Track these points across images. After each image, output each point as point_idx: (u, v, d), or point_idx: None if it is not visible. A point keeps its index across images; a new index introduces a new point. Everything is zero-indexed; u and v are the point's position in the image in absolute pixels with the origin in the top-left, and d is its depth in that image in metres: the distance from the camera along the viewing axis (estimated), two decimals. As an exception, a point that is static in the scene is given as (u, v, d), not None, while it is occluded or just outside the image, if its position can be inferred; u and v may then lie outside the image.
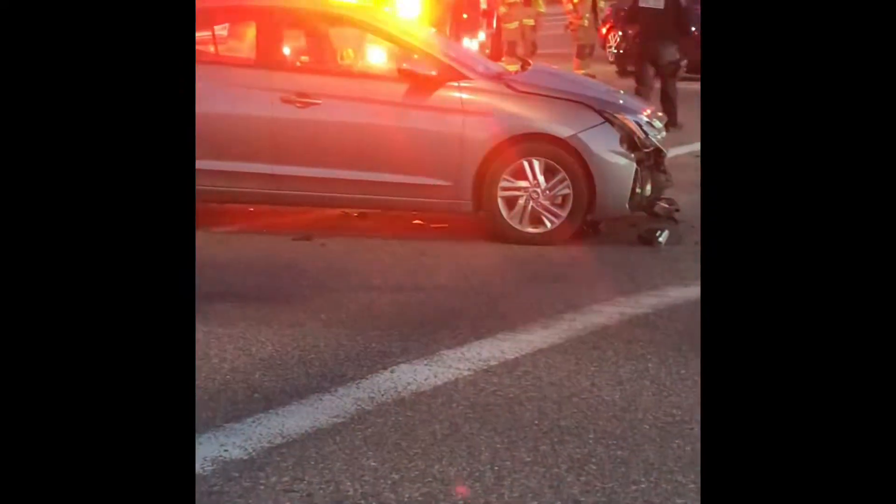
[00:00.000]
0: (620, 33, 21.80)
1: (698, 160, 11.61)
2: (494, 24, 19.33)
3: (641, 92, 14.03)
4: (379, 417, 4.77)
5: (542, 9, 18.58)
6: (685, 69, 15.46)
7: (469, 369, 5.36)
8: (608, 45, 22.22)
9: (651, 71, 14.20)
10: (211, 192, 7.98)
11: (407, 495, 4.08)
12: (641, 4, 14.23)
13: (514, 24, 18.10)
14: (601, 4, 19.02)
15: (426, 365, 5.40)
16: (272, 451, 4.45)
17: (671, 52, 14.19)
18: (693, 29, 15.06)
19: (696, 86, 15.36)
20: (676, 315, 6.34)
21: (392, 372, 5.31)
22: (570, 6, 18.65)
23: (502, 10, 18.03)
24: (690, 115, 14.40)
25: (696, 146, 12.31)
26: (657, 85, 14.34)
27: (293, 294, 6.63)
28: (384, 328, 5.95)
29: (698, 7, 16.87)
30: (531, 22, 18.36)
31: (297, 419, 4.74)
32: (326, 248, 7.80)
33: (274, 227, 8.42)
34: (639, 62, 14.59)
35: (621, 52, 21.46)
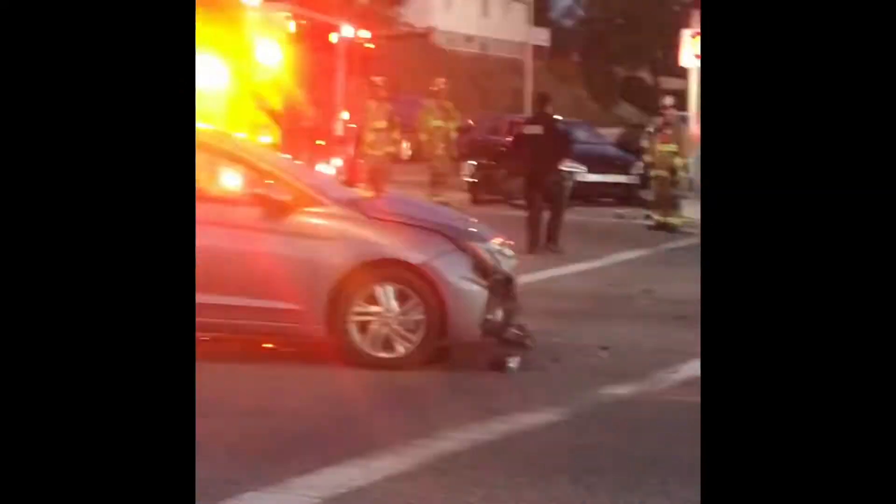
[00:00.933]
0: (474, 162, 22.26)
1: (549, 286, 11.83)
2: (351, 151, 19.49)
3: (531, 215, 14.48)
4: (225, 547, 4.65)
5: (397, 135, 18.83)
6: (571, 192, 16.17)
7: (318, 497, 5.27)
8: (462, 173, 22.62)
9: (539, 195, 14.64)
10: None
11: None
12: (524, 132, 14.83)
13: (381, 151, 18.29)
14: (453, 135, 19.39)
15: (274, 493, 5.30)
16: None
17: (555, 172, 14.82)
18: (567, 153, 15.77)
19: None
20: (526, 441, 6.37)
21: (240, 500, 5.19)
22: (425, 136, 18.98)
23: (370, 137, 18.19)
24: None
25: (547, 273, 12.55)
26: (545, 209, 14.77)
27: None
28: (232, 455, 5.83)
29: (574, 131, 17.75)
30: (393, 149, 18.58)
31: (138, 550, 4.58)
32: (175, 373, 7.64)
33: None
34: (526, 185, 15.08)
35: (474, 180, 21.87)
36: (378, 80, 18.72)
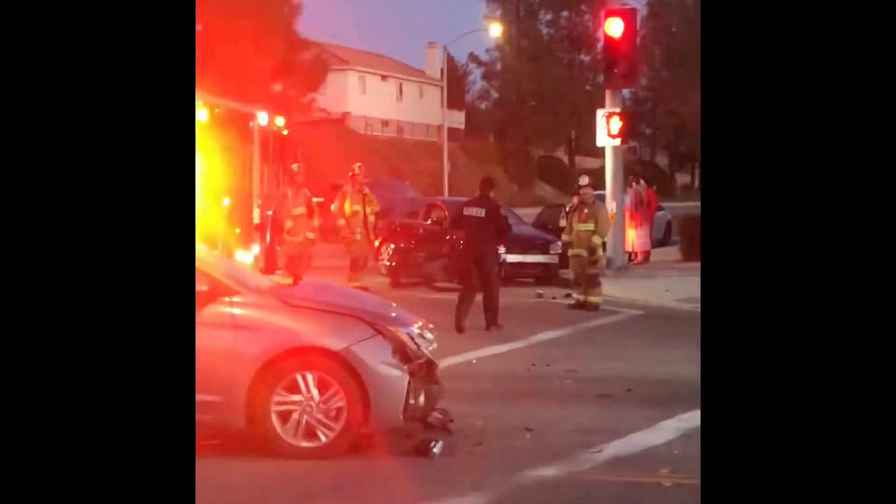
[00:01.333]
0: (392, 246, 22.27)
1: (471, 368, 11.79)
2: (268, 238, 19.40)
3: (464, 294, 14.74)
4: None
5: (317, 222, 18.80)
6: (505, 271, 16.40)
7: None
8: (381, 257, 22.63)
9: (475, 273, 14.94)
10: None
11: None
12: (465, 213, 15.57)
13: (300, 237, 18.23)
14: (371, 219, 19.40)
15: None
16: None
17: (493, 255, 15.56)
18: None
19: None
20: (452, 527, 6.30)
21: None
22: (343, 221, 18.95)
23: (289, 224, 18.13)
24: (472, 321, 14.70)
25: (470, 355, 12.52)
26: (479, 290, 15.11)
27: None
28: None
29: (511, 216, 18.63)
30: (312, 235, 18.52)
31: None
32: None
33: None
34: (462, 265, 15.81)
35: (393, 264, 21.87)
36: (295, 166, 18.74)
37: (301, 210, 18.08)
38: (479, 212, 15.32)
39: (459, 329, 14.42)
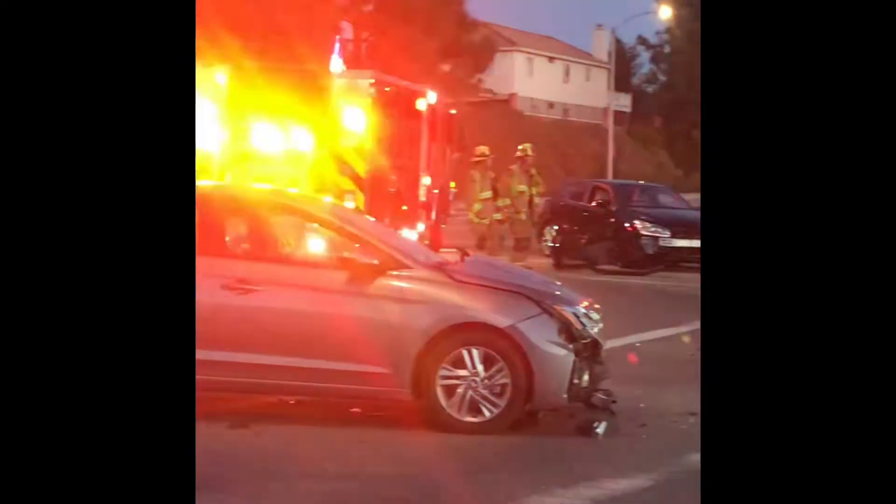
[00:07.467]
0: (556, 227, 22.23)
1: (635, 352, 11.72)
2: (433, 216, 19.62)
3: None
4: None
5: (502, 203, 18.92)
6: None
7: (407, 561, 5.24)
8: (543, 238, 22.62)
9: None
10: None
11: None
12: None
13: (487, 220, 18.50)
14: (536, 200, 19.44)
15: (363, 556, 5.28)
16: None
17: None
18: None
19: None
20: (615, 507, 6.29)
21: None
22: (508, 200, 19.03)
23: (477, 206, 18.44)
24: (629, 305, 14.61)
25: (633, 338, 12.44)
26: None
27: (230, 484, 6.49)
28: (320, 518, 5.83)
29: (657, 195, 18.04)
30: (500, 216, 18.72)
31: None
32: (263, 437, 7.67)
33: (209, 414, 8.26)
34: None
35: (557, 245, 21.84)
36: (484, 150, 18.91)
37: (488, 194, 18.32)
38: None
39: None
